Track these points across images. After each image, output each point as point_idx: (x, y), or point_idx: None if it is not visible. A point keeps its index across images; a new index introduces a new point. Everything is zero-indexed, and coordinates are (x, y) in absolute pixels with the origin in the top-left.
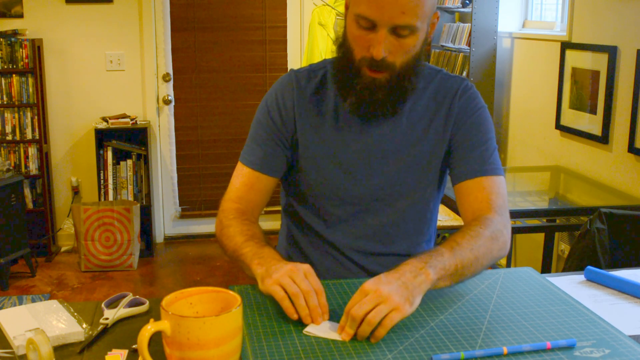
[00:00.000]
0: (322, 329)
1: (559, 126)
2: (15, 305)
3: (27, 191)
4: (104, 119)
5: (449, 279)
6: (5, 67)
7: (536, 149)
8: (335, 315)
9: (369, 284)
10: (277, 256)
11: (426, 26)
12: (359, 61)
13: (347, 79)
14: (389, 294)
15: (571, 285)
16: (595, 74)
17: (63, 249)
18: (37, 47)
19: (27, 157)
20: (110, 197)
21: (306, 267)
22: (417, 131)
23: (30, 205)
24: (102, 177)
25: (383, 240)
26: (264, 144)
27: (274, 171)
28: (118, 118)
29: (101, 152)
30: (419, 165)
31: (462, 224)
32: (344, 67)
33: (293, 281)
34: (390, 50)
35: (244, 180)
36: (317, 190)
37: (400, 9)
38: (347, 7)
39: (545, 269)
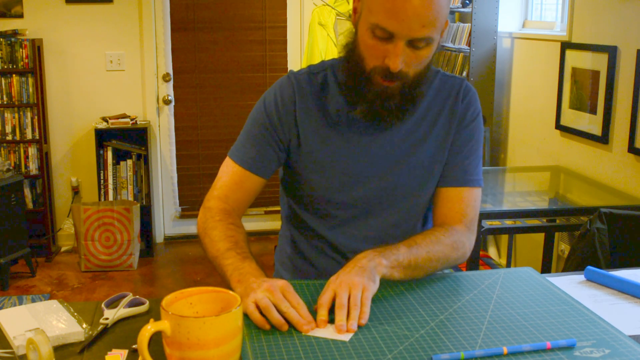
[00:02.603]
0: (322, 329)
1: (559, 126)
2: (15, 305)
3: (27, 191)
4: (104, 119)
5: (402, 272)
6: (5, 67)
7: (536, 149)
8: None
9: (333, 280)
10: (257, 272)
11: (439, 36)
12: (371, 70)
13: (357, 87)
14: (352, 280)
15: (571, 285)
16: (595, 74)
17: (63, 249)
18: (37, 47)
19: (27, 157)
20: (110, 197)
21: (282, 283)
22: (419, 133)
23: (30, 205)
24: (102, 177)
25: (385, 242)
26: (258, 144)
27: (264, 172)
28: (118, 118)
29: (101, 152)
30: (422, 166)
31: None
32: (354, 74)
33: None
34: (406, 61)
35: (234, 178)
36: (319, 192)
37: (421, 23)
38: (355, 12)
39: (545, 269)
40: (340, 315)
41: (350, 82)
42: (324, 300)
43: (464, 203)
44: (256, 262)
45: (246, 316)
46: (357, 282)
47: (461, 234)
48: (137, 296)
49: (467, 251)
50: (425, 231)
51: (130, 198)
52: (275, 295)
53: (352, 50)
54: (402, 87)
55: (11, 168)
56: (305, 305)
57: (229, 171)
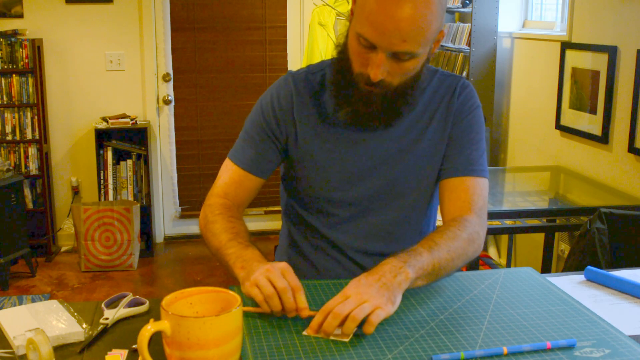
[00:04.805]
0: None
1: (559, 126)
2: (15, 305)
3: (27, 191)
4: (104, 119)
5: (426, 278)
6: (5, 67)
7: (536, 149)
8: None
9: (351, 287)
10: (260, 257)
11: (429, 48)
12: (357, 75)
13: (344, 89)
14: (371, 296)
15: (571, 285)
16: (595, 74)
17: (63, 249)
18: (37, 47)
19: (27, 157)
20: (110, 197)
21: (283, 265)
22: (417, 131)
23: (30, 205)
24: (102, 177)
25: (385, 240)
26: (256, 145)
27: (262, 172)
28: (118, 118)
29: (101, 152)
30: (420, 164)
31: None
32: (342, 76)
33: (269, 280)
34: (389, 71)
35: (233, 177)
36: (318, 191)
37: (402, 37)
38: (352, 14)
39: (545, 269)
40: (331, 322)
41: (338, 83)
42: (329, 306)
43: (471, 191)
44: (259, 250)
45: (246, 316)
46: (374, 300)
47: (475, 224)
48: (137, 296)
49: (482, 243)
50: (440, 228)
51: (130, 198)
52: (275, 274)
53: (342, 52)
54: (386, 94)
55: (11, 168)
56: (303, 290)
57: (228, 171)
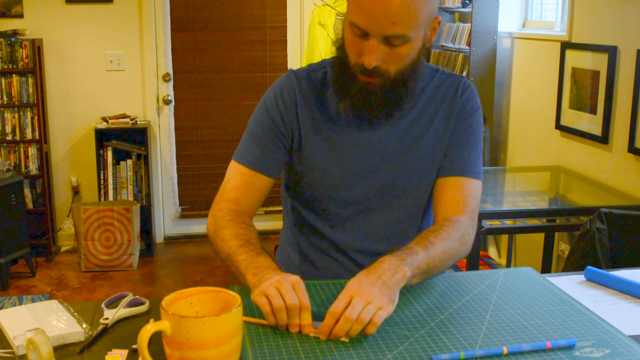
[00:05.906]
0: (322, 330)
1: (559, 126)
2: (15, 305)
3: (27, 191)
4: (104, 119)
5: (420, 277)
6: (5, 67)
7: (536, 149)
8: None
9: (353, 287)
10: (273, 265)
11: (423, 33)
12: (354, 66)
13: (343, 82)
14: (374, 296)
15: (571, 285)
16: (595, 74)
17: (63, 249)
18: (37, 47)
19: (27, 157)
20: (110, 197)
21: (295, 279)
22: (418, 129)
23: (30, 205)
24: (102, 177)
25: (387, 239)
26: (262, 144)
27: (270, 171)
28: (118, 118)
29: (101, 152)
30: (422, 162)
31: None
32: (341, 70)
33: (279, 292)
34: (384, 58)
35: (243, 179)
36: (320, 191)
37: (391, 20)
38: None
39: (545, 269)
40: (343, 326)
41: (337, 77)
42: (337, 309)
43: (465, 192)
44: (271, 258)
45: (246, 316)
46: (377, 301)
47: (467, 226)
48: (137, 296)
49: (471, 244)
50: (434, 227)
51: (130, 198)
52: (285, 288)
53: (340, 47)
54: (384, 83)
55: (11, 168)
56: (310, 309)
57: (236, 173)
